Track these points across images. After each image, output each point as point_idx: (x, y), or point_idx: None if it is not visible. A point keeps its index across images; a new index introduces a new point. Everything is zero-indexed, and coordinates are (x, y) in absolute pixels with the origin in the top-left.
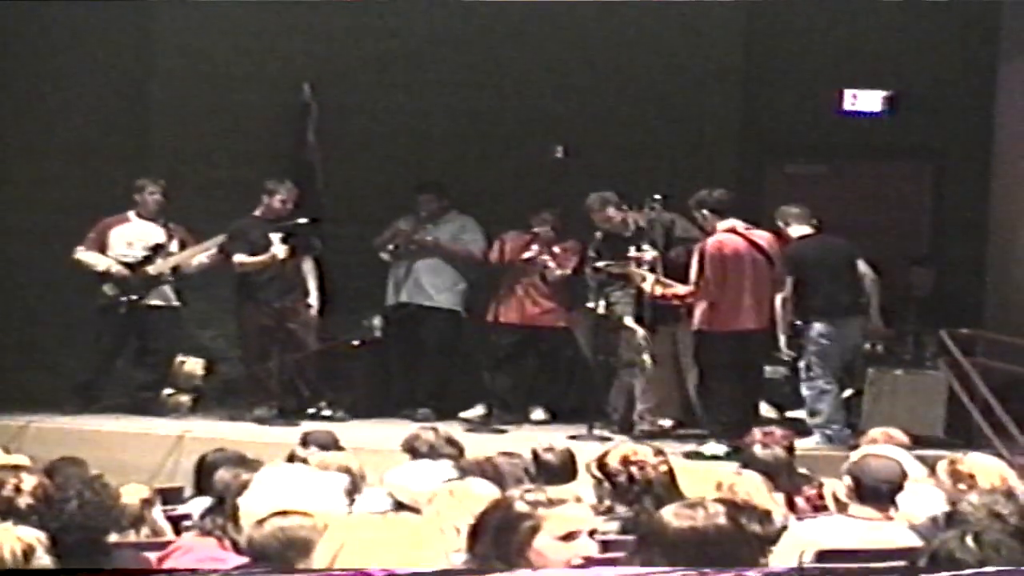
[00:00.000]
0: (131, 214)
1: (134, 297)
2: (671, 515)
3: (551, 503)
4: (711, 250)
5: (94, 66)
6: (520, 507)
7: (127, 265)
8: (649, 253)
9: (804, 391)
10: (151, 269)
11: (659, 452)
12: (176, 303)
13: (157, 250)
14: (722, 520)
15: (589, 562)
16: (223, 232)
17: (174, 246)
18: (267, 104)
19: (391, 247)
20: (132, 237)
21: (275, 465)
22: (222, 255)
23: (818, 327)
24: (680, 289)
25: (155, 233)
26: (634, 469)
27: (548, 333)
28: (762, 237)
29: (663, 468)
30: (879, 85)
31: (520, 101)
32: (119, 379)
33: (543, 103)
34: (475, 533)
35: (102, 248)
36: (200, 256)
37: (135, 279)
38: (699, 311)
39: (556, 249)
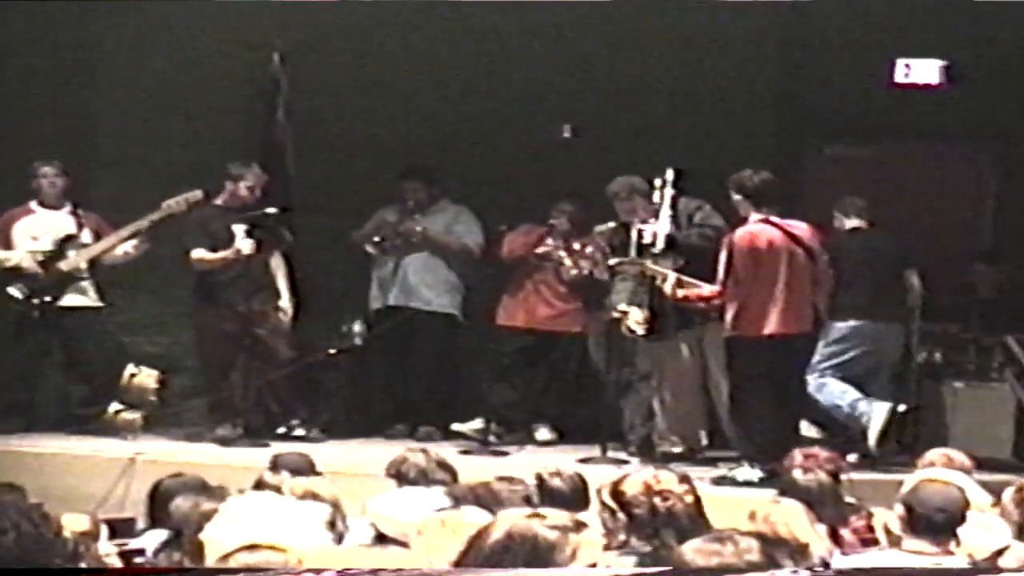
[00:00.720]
0: (33, 204)
1: (47, 299)
2: (694, 551)
3: (578, 526)
4: (740, 243)
5: (29, 30)
6: (546, 533)
7: (35, 262)
8: (651, 228)
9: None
10: (63, 265)
11: (684, 479)
12: (99, 303)
13: (67, 242)
14: (754, 556)
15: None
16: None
17: (86, 236)
18: (230, 78)
19: (376, 239)
20: (37, 230)
21: (245, 495)
22: (149, 244)
23: (838, 325)
24: (705, 289)
25: (63, 223)
26: (657, 500)
27: (560, 340)
28: (800, 228)
29: (689, 498)
30: (936, 54)
31: (521, 73)
32: (54, 394)
33: (548, 75)
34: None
35: (7, 245)
36: (124, 246)
37: (46, 277)
38: (730, 314)
39: (576, 245)
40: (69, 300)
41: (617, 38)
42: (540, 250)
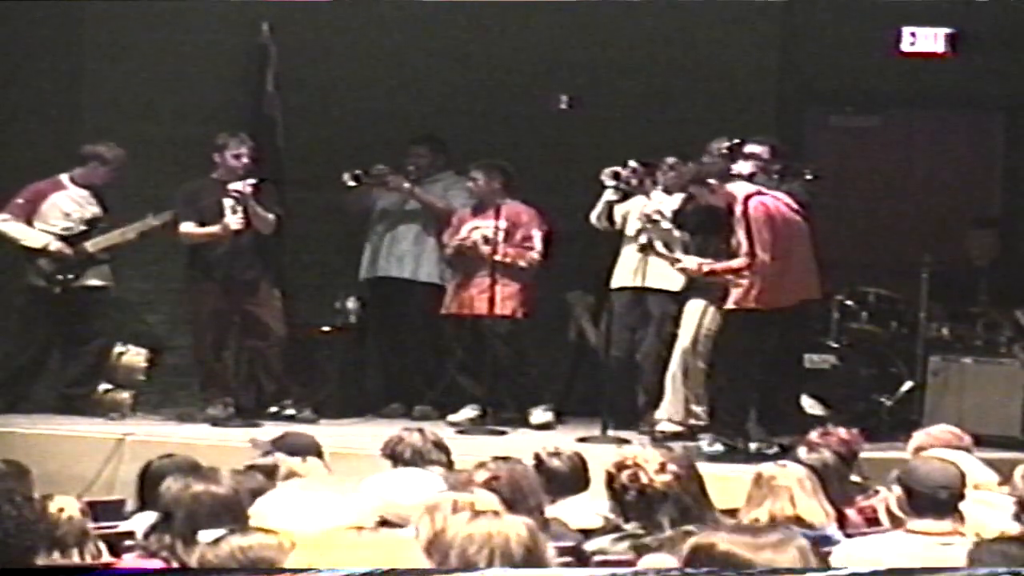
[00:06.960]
0: (65, 178)
1: (70, 276)
2: (729, 542)
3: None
4: (756, 213)
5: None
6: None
7: (65, 240)
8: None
9: None
10: (89, 245)
11: (673, 460)
12: (111, 282)
13: (95, 223)
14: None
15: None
16: (169, 199)
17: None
18: (218, 48)
19: (357, 171)
20: (70, 207)
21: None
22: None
23: None
24: (734, 263)
25: (93, 203)
26: (639, 475)
27: (492, 324)
28: (783, 197)
29: (665, 477)
30: (942, 22)
31: (517, 42)
32: (45, 373)
33: (544, 44)
34: None
35: (30, 218)
36: (129, 234)
37: (73, 257)
38: (752, 287)
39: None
40: (90, 280)
41: (617, 7)
42: (457, 238)
